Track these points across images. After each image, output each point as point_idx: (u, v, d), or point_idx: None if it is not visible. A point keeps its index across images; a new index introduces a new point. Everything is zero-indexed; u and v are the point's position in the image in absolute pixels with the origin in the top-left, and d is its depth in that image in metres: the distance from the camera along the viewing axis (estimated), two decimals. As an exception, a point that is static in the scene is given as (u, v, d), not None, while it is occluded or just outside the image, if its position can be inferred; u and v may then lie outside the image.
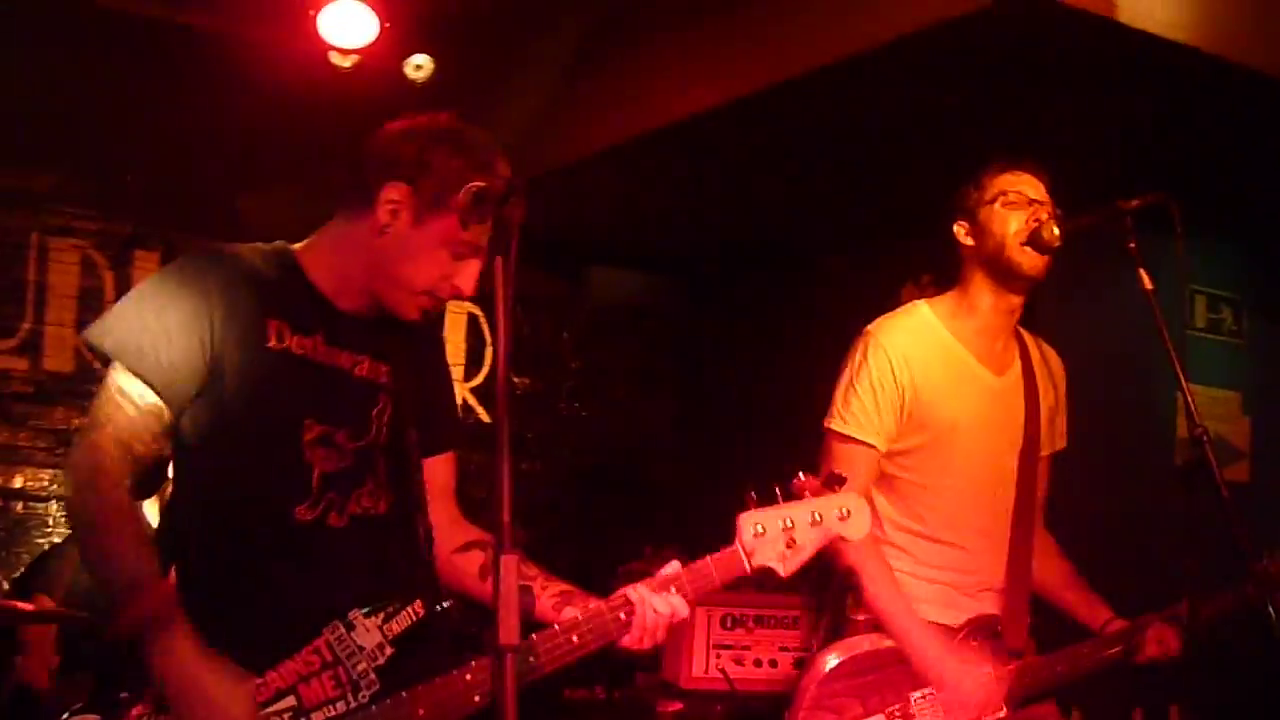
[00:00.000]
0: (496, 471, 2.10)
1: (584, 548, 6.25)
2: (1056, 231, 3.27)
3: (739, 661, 4.96)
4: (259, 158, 6.01)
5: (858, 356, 3.37)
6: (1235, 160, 5.02)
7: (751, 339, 6.95)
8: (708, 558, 2.59)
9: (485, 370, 7.19)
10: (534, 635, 2.45)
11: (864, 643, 3.30)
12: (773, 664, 4.98)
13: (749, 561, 2.58)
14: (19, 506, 6.03)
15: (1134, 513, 5.16)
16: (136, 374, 2.42)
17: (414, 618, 2.46)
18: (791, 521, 2.61)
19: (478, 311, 7.08)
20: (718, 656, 4.93)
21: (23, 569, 5.46)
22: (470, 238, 2.51)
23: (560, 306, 7.37)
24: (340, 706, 2.40)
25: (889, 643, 3.27)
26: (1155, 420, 5.52)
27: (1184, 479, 3.01)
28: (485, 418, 7.14)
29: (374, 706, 2.41)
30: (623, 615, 2.50)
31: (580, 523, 6.93)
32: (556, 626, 2.49)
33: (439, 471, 2.77)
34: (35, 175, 5.97)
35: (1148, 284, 3.07)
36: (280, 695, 2.38)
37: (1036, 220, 3.30)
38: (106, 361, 2.47)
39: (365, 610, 2.44)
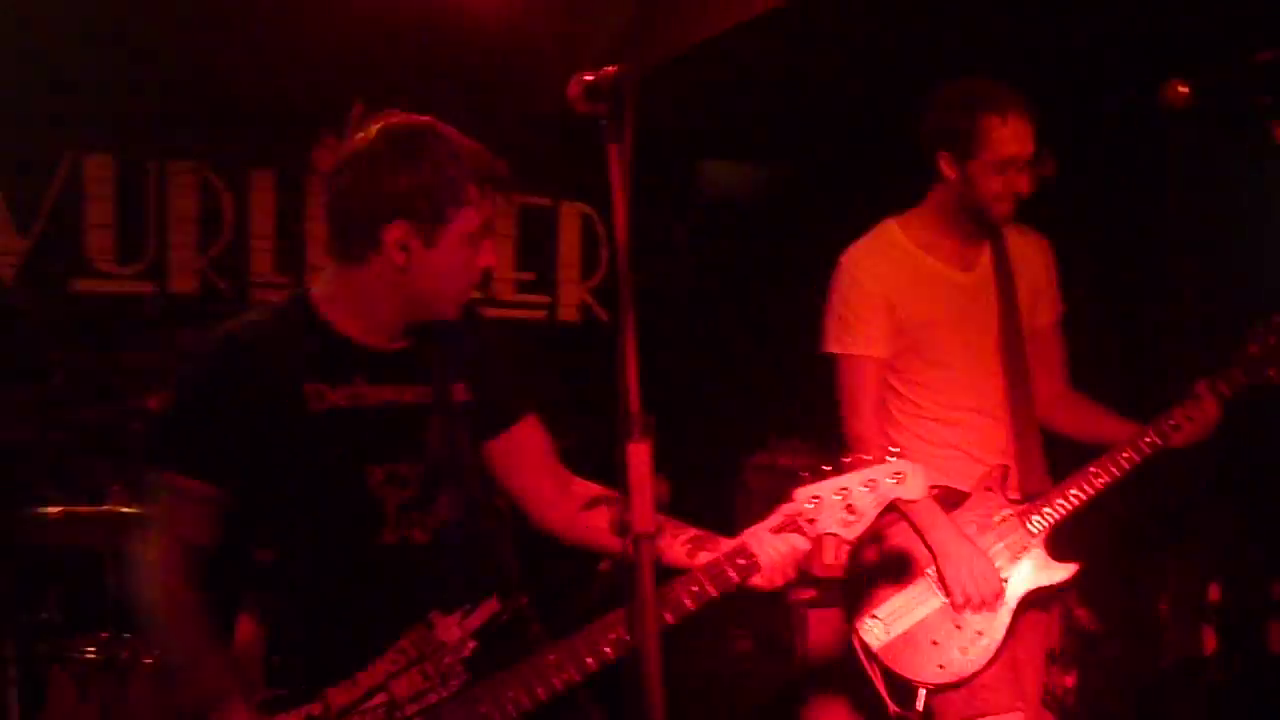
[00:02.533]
0: (622, 361, 2.11)
1: (708, 441, 6.27)
2: (1184, 90, 3.28)
3: (869, 548, 4.97)
4: (366, 74, 6.03)
5: (838, 282, 3.67)
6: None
7: (866, 225, 6.86)
8: (771, 519, 2.71)
9: (602, 271, 7.20)
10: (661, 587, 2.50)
11: (896, 518, 3.51)
12: (903, 549, 4.98)
13: (811, 527, 2.67)
14: (157, 426, 6.20)
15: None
16: (184, 474, 2.56)
17: (490, 612, 2.61)
18: (847, 489, 2.68)
19: (591, 210, 7.07)
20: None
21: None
22: (480, 222, 2.55)
23: (672, 201, 7.33)
24: (432, 697, 2.56)
25: None
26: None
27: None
28: (604, 317, 7.16)
29: (466, 693, 2.55)
30: (741, 561, 2.63)
31: (702, 415, 6.94)
32: (690, 573, 2.62)
33: (524, 441, 2.84)
34: (149, 102, 6.05)
35: (1280, 138, 3.01)
36: (372, 693, 2.53)
37: (1017, 190, 3.49)
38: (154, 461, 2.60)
39: (443, 610, 2.57)
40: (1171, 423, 3.58)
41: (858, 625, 3.54)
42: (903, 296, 3.62)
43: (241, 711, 2.45)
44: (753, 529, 2.69)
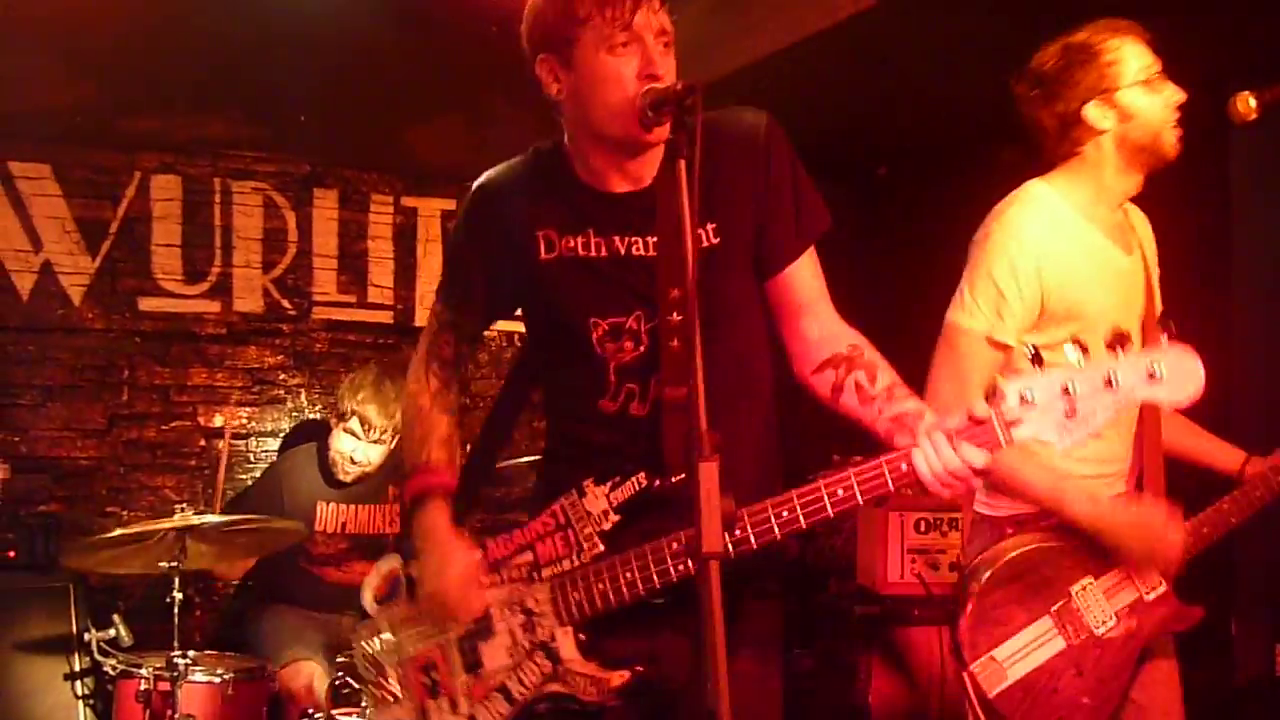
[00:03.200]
0: (690, 380, 2.10)
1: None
2: (1253, 104, 3.09)
3: (934, 565, 4.94)
4: (426, 89, 6.06)
5: (995, 244, 3.15)
6: None
7: (926, 240, 6.82)
8: (949, 429, 2.29)
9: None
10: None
11: (1011, 547, 3.18)
12: (969, 566, 4.94)
13: (1006, 432, 2.24)
14: (220, 444, 6.26)
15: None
16: (444, 302, 2.82)
17: (637, 488, 2.53)
18: (1074, 385, 2.20)
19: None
20: (913, 561, 4.91)
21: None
22: (609, 30, 2.45)
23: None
24: (566, 564, 2.57)
25: (1036, 543, 3.16)
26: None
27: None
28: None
29: (591, 566, 2.55)
30: (904, 466, 2.34)
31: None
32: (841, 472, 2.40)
33: (789, 288, 2.66)
34: (213, 121, 6.12)
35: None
36: (522, 550, 2.62)
37: (1177, 100, 3.11)
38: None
39: (595, 478, 2.56)
40: None
41: (972, 667, 3.15)
42: (1075, 279, 3.13)
43: (437, 512, 2.68)
44: (930, 429, 2.32)
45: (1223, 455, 3.50)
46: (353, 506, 5.19)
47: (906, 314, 6.89)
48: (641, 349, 2.56)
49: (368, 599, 2.82)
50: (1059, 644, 3.12)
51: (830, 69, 5.59)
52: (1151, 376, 2.19)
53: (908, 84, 5.82)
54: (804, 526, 2.41)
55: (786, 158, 2.63)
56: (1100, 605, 3.14)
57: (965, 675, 3.13)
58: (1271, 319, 5.03)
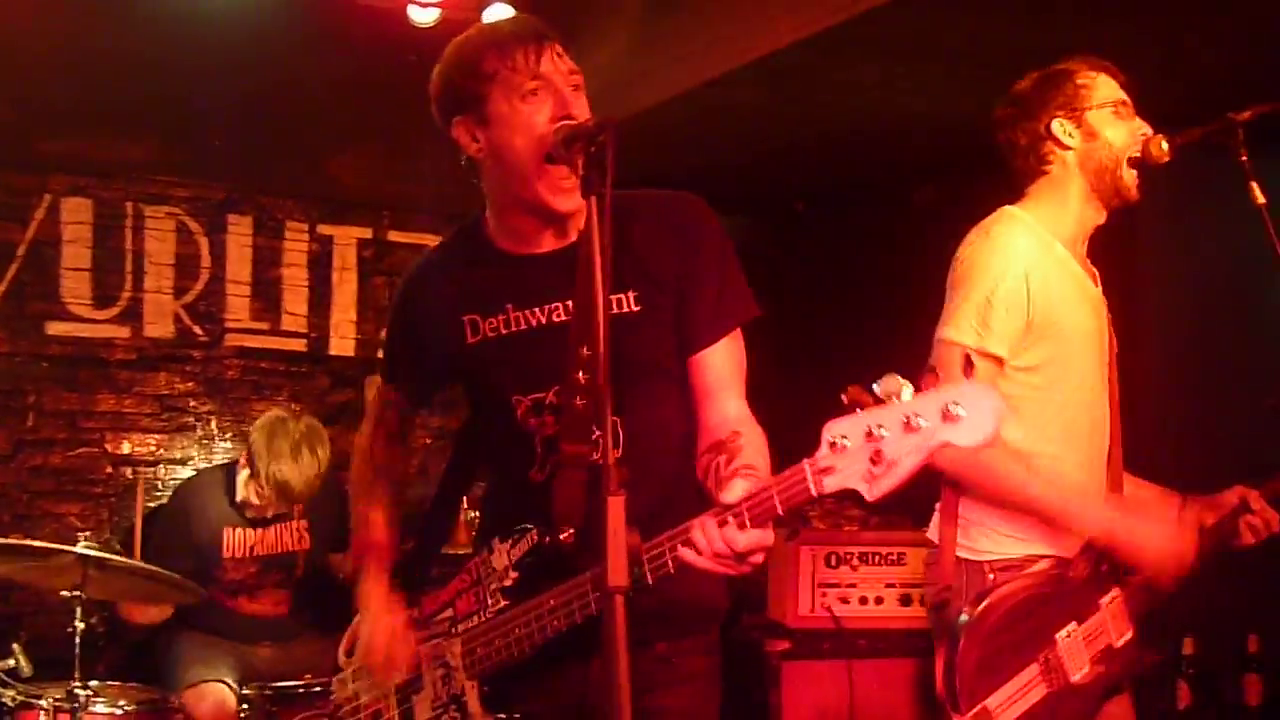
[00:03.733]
0: (599, 417, 2.10)
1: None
2: (1165, 146, 3.15)
3: (845, 600, 4.96)
4: (345, 117, 6.04)
5: (982, 263, 3.14)
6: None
7: (841, 276, 6.89)
8: (771, 479, 2.16)
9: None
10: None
11: (1008, 595, 3.15)
12: (879, 601, 4.98)
13: (816, 483, 2.07)
14: (128, 471, 6.16)
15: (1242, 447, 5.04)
16: (386, 381, 3.00)
17: (530, 544, 2.57)
18: (880, 428, 2.01)
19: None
20: (824, 595, 4.93)
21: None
22: (517, 82, 2.47)
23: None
24: (475, 620, 2.66)
25: (1029, 590, 3.15)
26: (1263, 342, 5.40)
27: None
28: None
29: (493, 620, 2.62)
30: (681, 544, 2.23)
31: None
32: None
33: (698, 372, 2.62)
34: (127, 144, 6.05)
35: (1260, 199, 2.98)
36: (445, 606, 2.74)
37: (1144, 133, 3.20)
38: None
39: (500, 536, 2.62)
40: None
41: (966, 717, 3.09)
42: (1057, 299, 3.15)
43: (375, 578, 2.84)
44: (703, 517, 2.21)
45: (1160, 502, 3.46)
46: (259, 530, 5.15)
47: (825, 346, 6.99)
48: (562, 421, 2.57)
49: (340, 652, 2.96)
50: (1042, 690, 3.12)
51: (748, 105, 5.64)
52: (946, 415, 1.98)
53: (826, 122, 5.88)
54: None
55: (717, 244, 2.63)
56: (1080, 652, 3.14)
57: None
58: (1177, 354, 5.14)
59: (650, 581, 2.29)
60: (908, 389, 2.02)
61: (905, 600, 4.99)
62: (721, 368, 2.62)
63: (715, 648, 2.76)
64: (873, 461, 2.02)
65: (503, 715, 2.67)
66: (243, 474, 5.11)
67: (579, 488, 2.48)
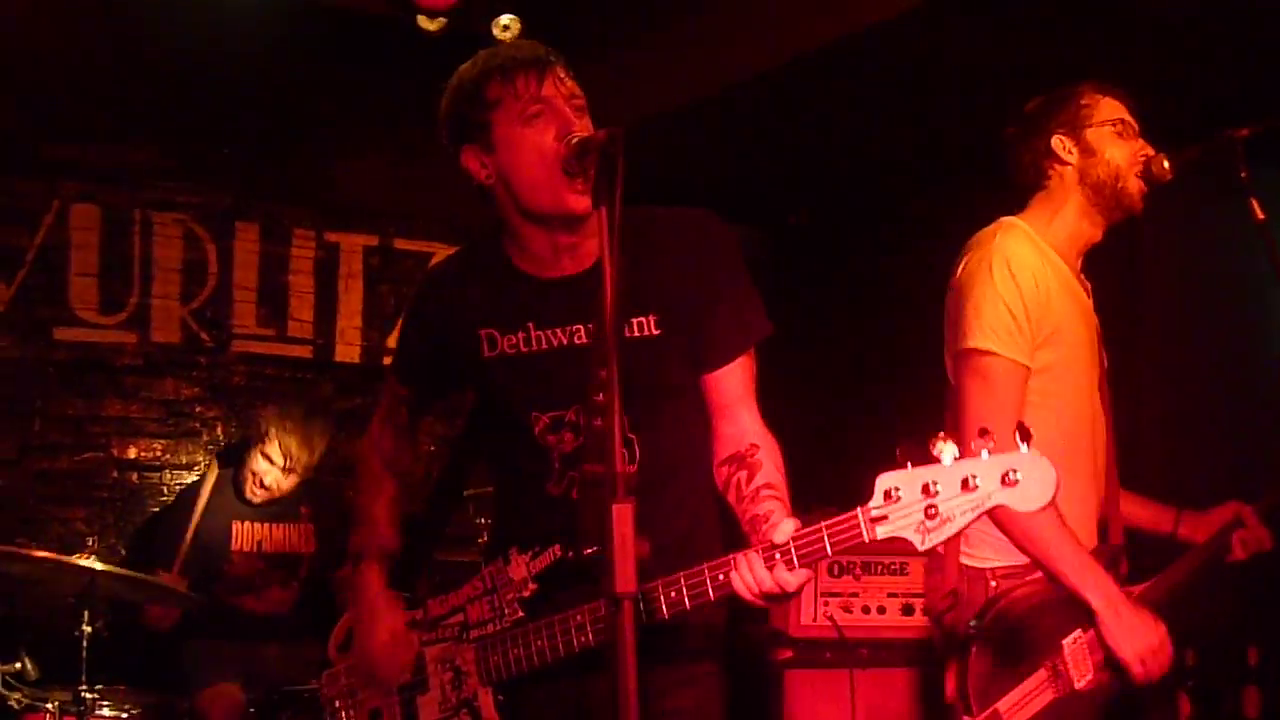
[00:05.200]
0: (607, 423, 2.12)
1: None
2: (1167, 165, 3.20)
3: (847, 609, 4.97)
4: (352, 125, 6.07)
5: (991, 269, 3.18)
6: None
7: (841, 286, 6.91)
8: (823, 523, 2.27)
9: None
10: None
11: (1021, 600, 3.18)
12: (881, 610, 4.98)
13: (869, 530, 2.20)
14: (134, 476, 6.18)
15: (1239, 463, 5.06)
16: (396, 378, 3.00)
17: (553, 558, 2.62)
18: (936, 485, 2.15)
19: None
20: (826, 604, 4.93)
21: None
22: (520, 107, 2.52)
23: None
24: (490, 628, 2.69)
25: (1041, 596, 3.17)
26: (1263, 358, 5.43)
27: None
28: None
29: (510, 631, 2.65)
30: (721, 577, 2.36)
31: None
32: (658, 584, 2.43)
33: (715, 388, 2.68)
34: (135, 151, 6.08)
35: (1259, 215, 3.01)
36: (455, 611, 2.76)
37: (1145, 154, 3.24)
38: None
39: (519, 546, 2.66)
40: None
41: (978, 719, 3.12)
42: (1059, 305, 3.21)
43: (370, 573, 2.85)
44: (747, 550, 2.33)
45: (1151, 514, 3.54)
46: (268, 525, 5.24)
47: (823, 360, 7.01)
48: (581, 439, 2.61)
49: (330, 646, 2.98)
50: (1049, 695, 3.15)
51: (748, 118, 5.67)
52: (1005, 481, 2.13)
53: (824, 135, 5.91)
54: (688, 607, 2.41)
55: (735, 263, 2.68)
56: (1084, 659, 3.15)
57: None
58: (1173, 368, 5.16)
59: (689, 607, 2.38)
60: (951, 449, 2.16)
61: (908, 610, 4.99)
62: (737, 383, 2.69)
63: (719, 654, 2.78)
64: (927, 515, 2.15)
65: None
66: (252, 453, 5.29)
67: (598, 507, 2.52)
